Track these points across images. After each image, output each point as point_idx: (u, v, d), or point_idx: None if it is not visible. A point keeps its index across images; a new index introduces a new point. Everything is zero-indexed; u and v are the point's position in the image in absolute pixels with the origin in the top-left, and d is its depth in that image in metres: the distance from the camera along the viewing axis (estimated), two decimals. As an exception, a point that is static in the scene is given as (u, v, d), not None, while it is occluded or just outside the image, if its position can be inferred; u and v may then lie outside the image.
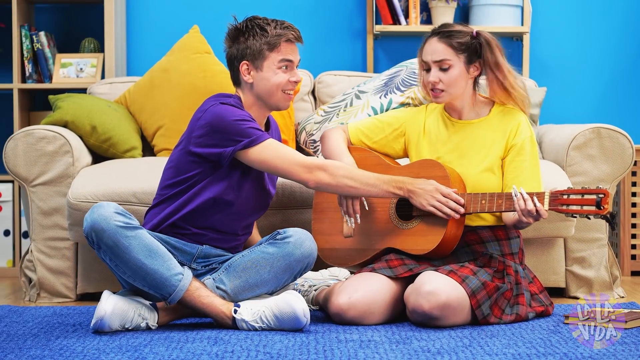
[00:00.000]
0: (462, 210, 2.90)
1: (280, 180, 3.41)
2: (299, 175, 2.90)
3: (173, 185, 2.96)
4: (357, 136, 3.22)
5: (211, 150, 2.89)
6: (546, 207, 2.83)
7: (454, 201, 2.90)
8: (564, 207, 2.81)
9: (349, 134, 3.24)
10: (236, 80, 3.03)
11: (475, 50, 3.02)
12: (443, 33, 3.02)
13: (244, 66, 2.97)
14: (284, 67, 2.97)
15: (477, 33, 3.03)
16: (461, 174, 3.02)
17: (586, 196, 2.79)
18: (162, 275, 2.80)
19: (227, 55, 3.02)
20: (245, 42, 2.96)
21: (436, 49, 3.01)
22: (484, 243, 3.02)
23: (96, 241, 2.79)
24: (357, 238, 3.09)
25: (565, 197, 2.81)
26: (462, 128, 3.07)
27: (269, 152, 2.89)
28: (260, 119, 3.04)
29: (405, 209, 3.05)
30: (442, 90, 3.01)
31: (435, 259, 3.00)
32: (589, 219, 2.84)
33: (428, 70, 3.04)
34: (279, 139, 3.16)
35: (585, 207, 2.79)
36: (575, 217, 2.82)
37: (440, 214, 2.90)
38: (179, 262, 2.93)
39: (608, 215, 2.77)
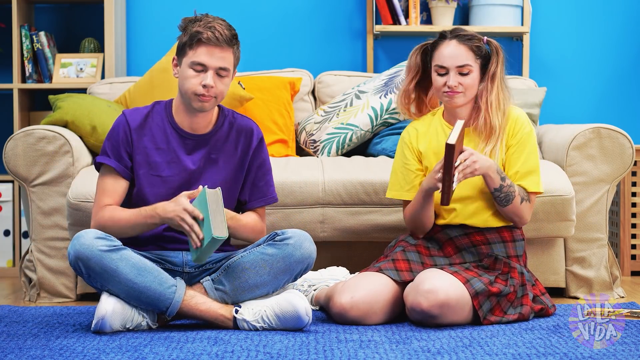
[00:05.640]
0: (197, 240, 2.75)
1: (279, 179, 3.41)
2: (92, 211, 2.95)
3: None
4: (407, 196, 3.09)
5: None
6: None
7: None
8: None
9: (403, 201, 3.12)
10: None
11: (488, 58, 2.99)
12: (462, 36, 2.96)
13: (174, 60, 2.91)
14: (199, 69, 2.83)
15: (488, 41, 3.00)
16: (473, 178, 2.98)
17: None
18: (155, 291, 2.78)
19: None
20: (182, 37, 2.88)
21: (459, 52, 2.94)
22: (490, 244, 3.02)
23: (84, 270, 2.77)
24: None
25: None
26: (465, 134, 3.03)
27: (97, 178, 2.96)
28: (191, 123, 2.93)
29: None
30: (460, 92, 2.95)
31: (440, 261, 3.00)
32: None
33: (443, 74, 2.95)
34: (255, 150, 2.99)
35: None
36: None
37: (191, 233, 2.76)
38: (172, 271, 2.92)
39: None
